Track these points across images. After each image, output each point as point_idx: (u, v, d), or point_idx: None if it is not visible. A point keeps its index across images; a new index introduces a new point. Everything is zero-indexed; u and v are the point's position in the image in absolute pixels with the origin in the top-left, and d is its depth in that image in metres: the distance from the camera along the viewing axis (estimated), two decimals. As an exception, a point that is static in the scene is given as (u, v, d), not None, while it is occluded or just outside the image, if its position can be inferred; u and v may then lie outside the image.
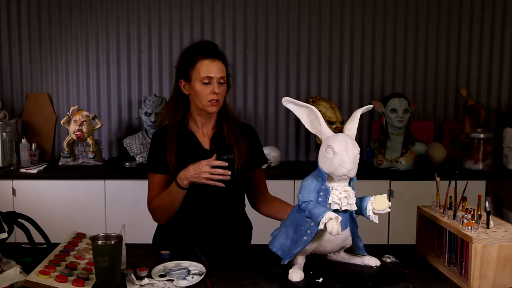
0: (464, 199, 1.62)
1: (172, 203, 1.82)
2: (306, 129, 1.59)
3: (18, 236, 1.71)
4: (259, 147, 1.98)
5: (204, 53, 1.80)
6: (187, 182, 1.75)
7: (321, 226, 1.33)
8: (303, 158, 3.80)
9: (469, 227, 1.42)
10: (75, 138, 3.27)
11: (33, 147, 3.48)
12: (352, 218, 1.47)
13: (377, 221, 1.43)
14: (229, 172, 1.71)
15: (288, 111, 3.63)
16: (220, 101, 1.82)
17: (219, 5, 3.66)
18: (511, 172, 3.35)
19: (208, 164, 1.71)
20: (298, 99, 1.77)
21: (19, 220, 1.60)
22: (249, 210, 2.03)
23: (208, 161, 1.71)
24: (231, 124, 1.90)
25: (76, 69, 3.71)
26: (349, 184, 1.44)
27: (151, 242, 1.99)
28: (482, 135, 3.33)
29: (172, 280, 1.44)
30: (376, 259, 1.54)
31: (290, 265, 1.47)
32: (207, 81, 1.78)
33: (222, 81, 1.81)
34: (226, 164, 1.72)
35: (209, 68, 1.78)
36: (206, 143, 1.88)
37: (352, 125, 1.46)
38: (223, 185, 1.72)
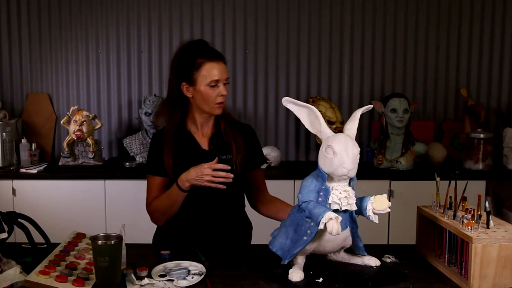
0: (464, 199, 1.62)
1: (172, 205, 1.82)
2: (306, 129, 1.59)
3: (18, 236, 1.71)
4: (258, 147, 1.98)
5: (208, 55, 1.79)
6: (188, 185, 1.75)
7: (321, 226, 1.33)
8: (303, 158, 3.80)
9: (469, 227, 1.42)
10: (75, 138, 3.27)
11: (33, 147, 3.48)
12: (352, 218, 1.47)
13: (377, 221, 1.43)
14: (232, 175, 1.72)
15: (288, 111, 3.63)
16: (224, 102, 1.83)
17: (219, 5, 3.66)
18: (511, 172, 3.35)
19: (210, 167, 1.71)
20: (298, 99, 1.77)
21: (19, 220, 1.60)
22: (249, 210, 2.03)
23: (210, 164, 1.72)
24: (227, 121, 1.90)
25: (76, 69, 3.71)
26: (349, 184, 1.44)
27: (151, 242, 1.99)
28: (482, 135, 3.33)
29: (172, 280, 1.44)
30: (376, 259, 1.54)
31: (290, 265, 1.47)
32: (214, 84, 1.78)
33: (226, 82, 1.82)
34: (229, 167, 1.73)
35: (216, 71, 1.78)
36: (204, 144, 1.88)
37: (352, 125, 1.46)
38: (224, 187, 1.72)
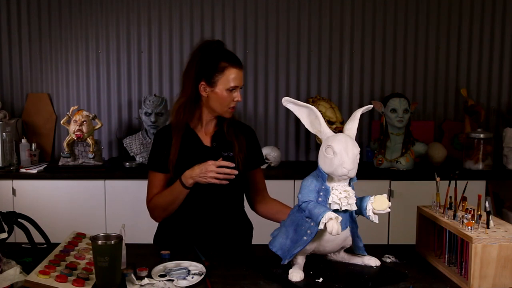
0: (464, 199, 1.62)
1: (173, 201, 1.83)
2: (306, 129, 1.59)
3: (18, 236, 1.71)
4: (257, 148, 2.00)
5: (231, 60, 1.83)
6: (192, 182, 1.76)
7: (321, 226, 1.33)
8: (303, 158, 3.80)
9: (469, 227, 1.42)
10: (75, 138, 3.27)
11: (33, 147, 3.48)
12: (352, 218, 1.47)
13: (377, 221, 1.43)
14: (236, 172, 1.74)
15: (288, 111, 3.63)
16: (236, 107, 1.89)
17: (219, 5, 3.66)
18: (511, 172, 3.35)
19: (215, 164, 1.73)
20: (298, 99, 1.77)
21: (19, 220, 1.60)
22: (249, 210, 2.03)
23: (215, 162, 1.74)
24: (230, 121, 1.92)
25: (76, 69, 3.72)
26: (349, 184, 1.44)
27: (151, 242, 1.99)
28: (482, 135, 3.33)
29: (172, 280, 1.44)
30: (376, 259, 1.54)
31: (290, 265, 1.47)
32: (232, 89, 1.82)
33: (241, 88, 1.88)
34: (233, 165, 1.74)
35: (237, 78, 1.83)
36: (207, 141, 1.90)
37: (352, 125, 1.46)
38: (227, 182, 1.74)
